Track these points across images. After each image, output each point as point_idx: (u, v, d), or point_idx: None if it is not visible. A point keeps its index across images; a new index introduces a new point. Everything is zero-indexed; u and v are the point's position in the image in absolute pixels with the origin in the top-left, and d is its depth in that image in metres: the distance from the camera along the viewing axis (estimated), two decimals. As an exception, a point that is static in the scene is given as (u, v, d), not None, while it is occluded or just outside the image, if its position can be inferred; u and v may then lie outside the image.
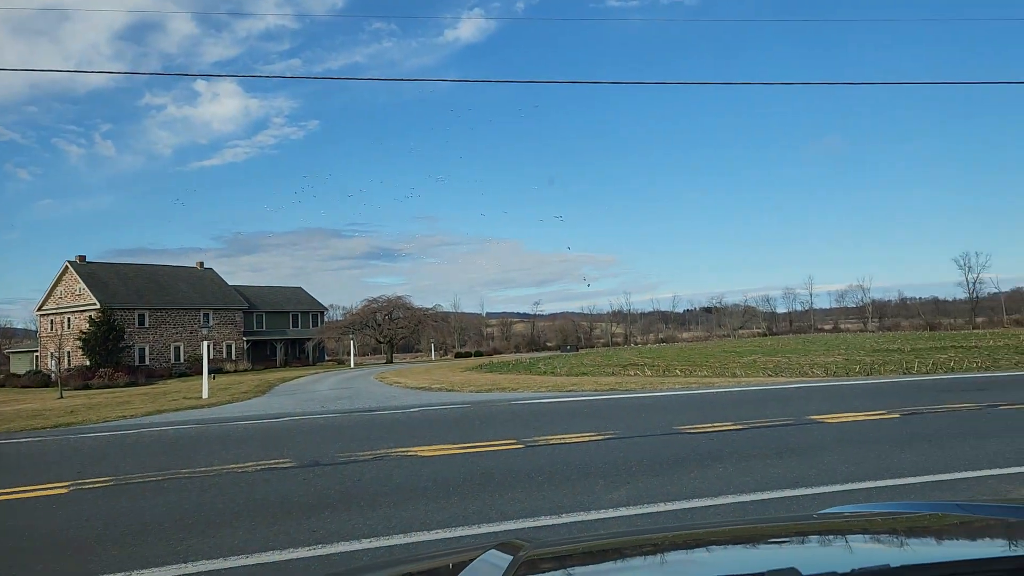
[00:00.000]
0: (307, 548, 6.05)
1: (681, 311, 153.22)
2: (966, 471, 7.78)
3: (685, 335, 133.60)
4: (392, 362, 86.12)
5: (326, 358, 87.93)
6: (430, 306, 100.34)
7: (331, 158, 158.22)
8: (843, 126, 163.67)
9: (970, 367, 24.55)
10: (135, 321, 69.88)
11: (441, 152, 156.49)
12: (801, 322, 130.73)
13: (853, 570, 1.15)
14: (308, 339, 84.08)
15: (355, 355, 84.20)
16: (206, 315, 75.59)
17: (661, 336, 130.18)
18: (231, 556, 5.94)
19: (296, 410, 20.66)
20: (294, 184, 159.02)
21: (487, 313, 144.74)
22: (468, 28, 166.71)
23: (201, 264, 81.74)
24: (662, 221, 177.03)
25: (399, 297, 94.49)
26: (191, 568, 5.70)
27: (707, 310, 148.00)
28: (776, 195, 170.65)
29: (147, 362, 69.24)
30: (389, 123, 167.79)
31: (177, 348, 72.62)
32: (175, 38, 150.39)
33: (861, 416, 12.11)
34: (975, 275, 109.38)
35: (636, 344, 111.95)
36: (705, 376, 26.39)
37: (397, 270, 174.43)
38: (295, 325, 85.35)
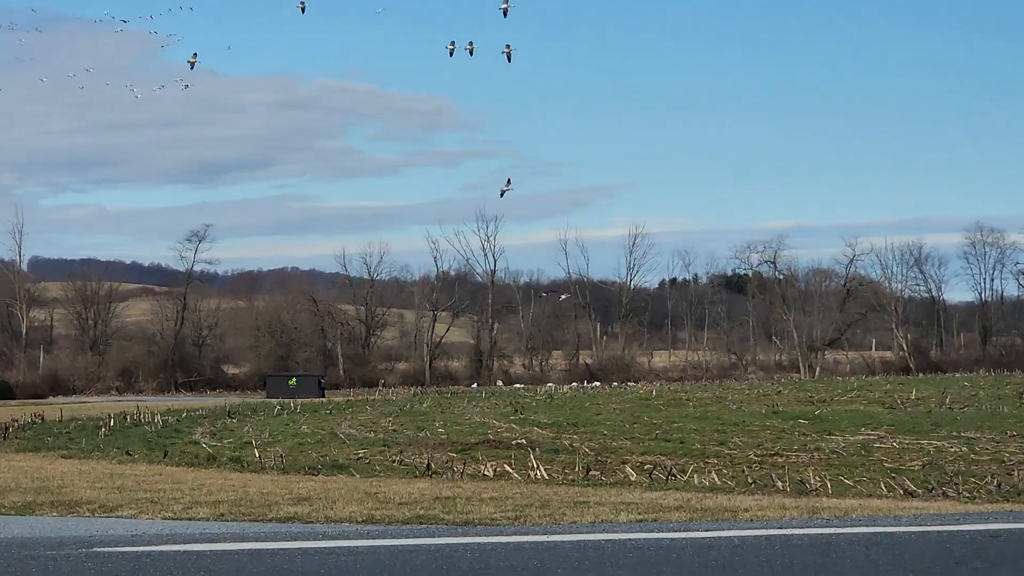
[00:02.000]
0: None
1: (657, 283, 72.14)
2: None
3: (659, 358, 60.88)
4: None
5: None
6: None
7: None
8: None
9: None
10: None
11: None
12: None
13: None
14: None
15: None
16: None
17: (588, 363, 58.05)
18: None
19: None
20: None
21: (35, 259, 71.87)
22: None
23: None
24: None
25: None
26: None
27: (735, 284, 70.94)
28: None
29: None
30: None
31: None
32: None
33: None
34: None
35: (517, 386, 51.73)
36: (727, 489, 12.52)
37: None
38: None
